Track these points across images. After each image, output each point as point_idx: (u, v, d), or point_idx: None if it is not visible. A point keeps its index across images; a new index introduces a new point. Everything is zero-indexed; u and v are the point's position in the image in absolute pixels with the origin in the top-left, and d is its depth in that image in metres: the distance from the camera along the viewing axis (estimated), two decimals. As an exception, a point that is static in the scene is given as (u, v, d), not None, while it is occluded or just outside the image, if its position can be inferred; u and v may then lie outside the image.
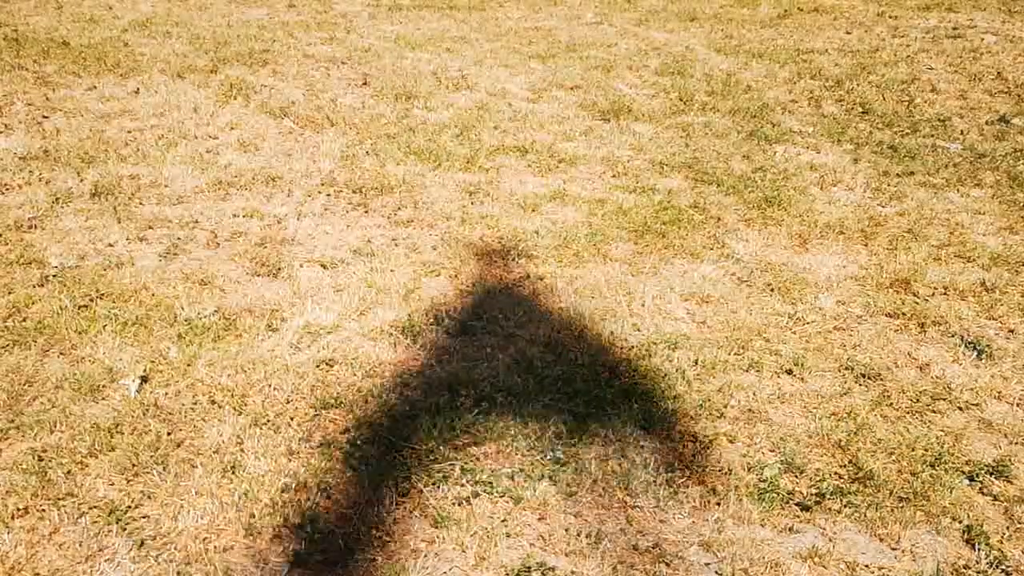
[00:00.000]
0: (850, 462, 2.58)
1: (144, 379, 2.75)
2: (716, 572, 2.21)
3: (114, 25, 6.98)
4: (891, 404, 2.86)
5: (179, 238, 3.67)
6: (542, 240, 3.79)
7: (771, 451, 2.62)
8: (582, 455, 2.55)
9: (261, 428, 2.58)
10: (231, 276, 3.40)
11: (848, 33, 7.94)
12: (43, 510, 2.25)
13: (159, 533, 2.20)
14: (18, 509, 2.25)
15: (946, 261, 3.79)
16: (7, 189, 4.02)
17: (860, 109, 5.81)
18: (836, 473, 2.54)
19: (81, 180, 4.13)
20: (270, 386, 2.76)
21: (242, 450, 2.49)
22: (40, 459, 2.41)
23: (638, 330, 3.17)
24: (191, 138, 4.73)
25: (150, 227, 3.75)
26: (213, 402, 2.68)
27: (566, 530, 2.30)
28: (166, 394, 2.70)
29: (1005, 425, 2.79)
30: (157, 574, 2.10)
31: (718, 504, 2.40)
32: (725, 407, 2.79)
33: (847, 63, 6.88)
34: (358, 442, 2.54)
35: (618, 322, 3.21)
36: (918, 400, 2.88)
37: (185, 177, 4.25)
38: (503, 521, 2.31)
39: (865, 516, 2.38)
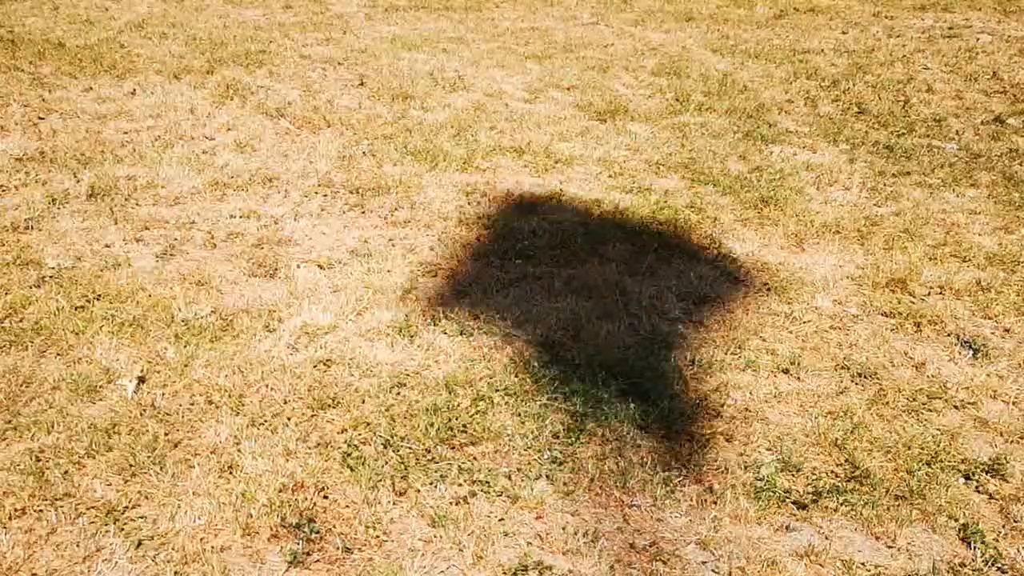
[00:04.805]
0: (846, 461, 2.58)
1: (141, 380, 2.75)
2: (713, 570, 2.21)
3: (110, 26, 6.98)
4: (887, 403, 2.87)
5: (176, 239, 3.67)
6: (539, 240, 3.80)
7: (768, 450, 2.62)
8: (579, 454, 2.55)
9: (258, 428, 2.58)
10: (228, 277, 3.41)
11: (844, 33, 7.96)
12: (40, 510, 2.25)
13: (156, 533, 2.21)
14: (15, 509, 2.25)
15: (942, 261, 3.80)
16: (3, 191, 4.02)
17: (856, 109, 5.83)
18: (832, 472, 2.55)
19: (78, 181, 4.13)
20: (267, 386, 2.76)
21: (239, 450, 2.49)
22: (37, 459, 2.41)
23: (635, 330, 3.18)
24: (188, 139, 4.73)
25: (147, 228, 3.75)
26: (210, 402, 2.68)
27: (563, 529, 2.30)
28: (163, 394, 2.71)
29: (1001, 424, 2.80)
30: (155, 574, 2.10)
31: (715, 503, 2.41)
32: (722, 406, 2.80)
33: (843, 63, 6.89)
34: (355, 442, 2.54)
35: (615, 322, 3.21)
36: (914, 399, 2.89)
37: (182, 178, 4.24)
38: (500, 520, 2.31)
39: (861, 514, 2.39)
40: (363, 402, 2.72)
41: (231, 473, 2.41)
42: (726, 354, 3.06)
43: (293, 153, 4.64)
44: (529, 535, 2.28)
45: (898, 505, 2.43)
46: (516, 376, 2.88)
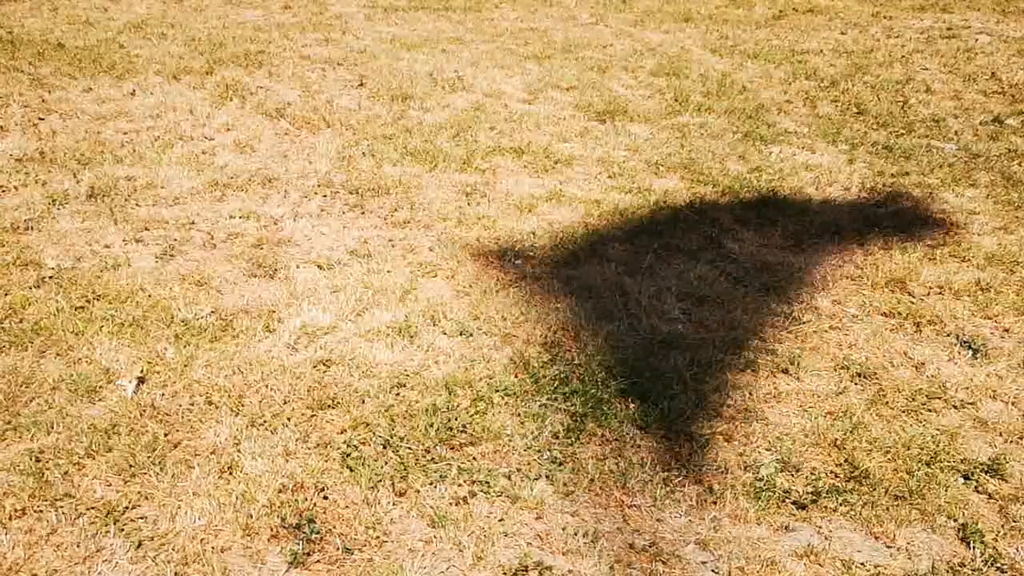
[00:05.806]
0: (846, 461, 2.59)
1: (141, 380, 2.76)
2: (712, 570, 2.21)
3: (109, 27, 6.98)
4: (887, 403, 2.87)
5: (175, 239, 3.67)
6: (538, 241, 3.80)
7: (767, 450, 2.63)
8: (579, 455, 2.56)
9: (258, 429, 2.58)
10: (228, 277, 3.41)
11: (843, 34, 7.96)
12: (40, 511, 2.26)
13: (157, 534, 2.21)
14: (16, 510, 2.25)
15: (941, 261, 3.80)
16: (3, 191, 4.01)
17: (855, 109, 5.83)
18: (832, 472, 2.55)
19: (77, 182, 4.13)
20: (267, 387, 2.76)
21: (239, 451, 2.49)
22: (37, 460, 2.41)
23: (635, 330, 3.18)
24: (187, 139, 4.73)
25: (146, 228, 3.75)
26: (210, 403, 2.68)
27: (563, 529, 2.30)
28: (163, 395, 2.71)
29: (1000, 424, 2.80)
30: (155, 575, 2.10)
31: (715, 503, 2.41)
32: (721, 406, 2.80)
33: (842, 64, 6.90)
34: (355, 442, 2.54)
35: (615, 322, 3.21)
36: (913, 399, 2.89)
37: (181, 178, 4.24)
38: (500, 520, 2.31)
39: (861, 514, 2.39)
40: (363, 402, 2.72)
41: (231, 473, 2.41)
42: (725, 354, 3.06)
43: (292, 154, 4.64)
44: (529, 535, 2.28)
45: (897, 505, 2.43)
46: (516, 376, 2.88)
